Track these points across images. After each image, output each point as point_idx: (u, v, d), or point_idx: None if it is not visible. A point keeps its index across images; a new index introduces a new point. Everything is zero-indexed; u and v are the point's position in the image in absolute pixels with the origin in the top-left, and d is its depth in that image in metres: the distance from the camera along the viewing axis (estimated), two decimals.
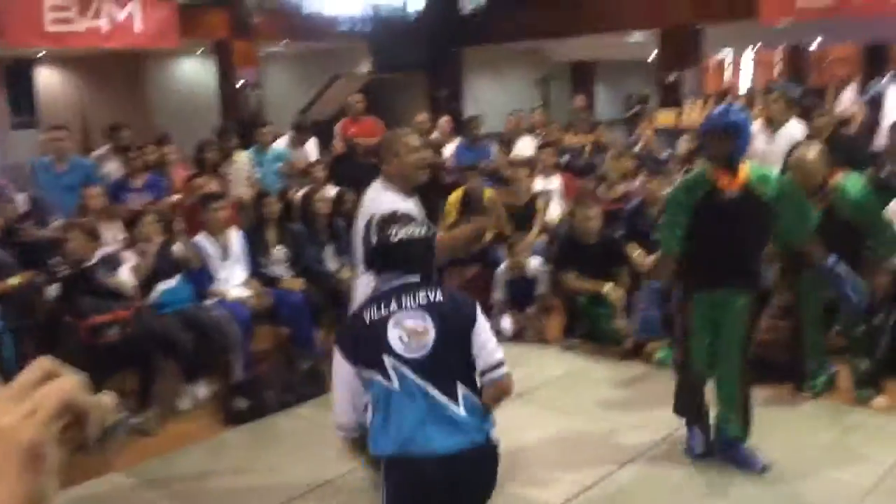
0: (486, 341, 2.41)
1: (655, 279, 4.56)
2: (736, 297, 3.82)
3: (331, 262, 6.03)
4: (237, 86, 11.88)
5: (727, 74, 20.50)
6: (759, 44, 19.10)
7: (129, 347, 4.60)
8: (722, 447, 3.96)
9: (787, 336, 5.01)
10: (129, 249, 5.17)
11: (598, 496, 3.74)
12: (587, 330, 5.86)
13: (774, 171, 4.00)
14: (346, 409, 2.39)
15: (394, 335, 2.30)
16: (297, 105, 13.30)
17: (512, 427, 4.52)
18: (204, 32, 12.05)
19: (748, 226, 3.72)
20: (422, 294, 2.38)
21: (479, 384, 2.40)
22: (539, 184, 7.38)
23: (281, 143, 7.85)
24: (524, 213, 6.90)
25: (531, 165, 7.67)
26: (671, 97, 13.15)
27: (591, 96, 17.60)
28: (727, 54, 19.65)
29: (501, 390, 2.43)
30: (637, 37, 15.12)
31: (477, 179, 7.05)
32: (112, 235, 5.68)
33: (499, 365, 2.41)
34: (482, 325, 2.43)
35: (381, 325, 2.31)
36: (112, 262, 4.90)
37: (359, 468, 4.03)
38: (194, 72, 14.64)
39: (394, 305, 2.34)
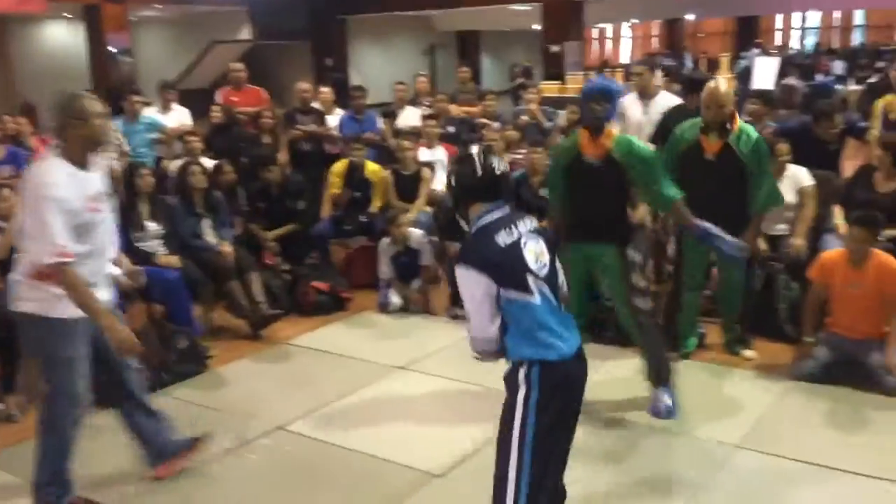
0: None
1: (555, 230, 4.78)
2: (604, 250, 4.14)
3: (209, 236, 5.83)
4: (108, 52, 11.29)
5: (607, 47, 20.98)
6: (636, 18, 19.63)
7: None
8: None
9: (664, 299, 5.22)
10: None
11: (481, 463, 3.78)
12: None
13: (640, 140, 4.19)
14: (488, 325, 2.54)
15: (528, 255, 2.57)
16: (172, 73, 12.76)
17: (398, 397, 4.54)
18: None
19: (609, 187, 4.10)
20: (527, 221, 2.68)
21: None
22: (424, 154, 7.36)
23: (150, 112, 7.49)
24: (410, 185, 6.87)
25: (416, 136, 7.63)
26: (554, 68, 13.38)
27: (476, 66, 17.69)
28: (607, 27, 20.12)
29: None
30: (520, 8, 15.27)
31: (361, 151, 6.96)
32: None
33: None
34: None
35: (517, 247, 2.57)
36: None
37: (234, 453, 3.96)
38: (62, 37, 13.82)
39: (517, 230, 2.61)
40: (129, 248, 5.35)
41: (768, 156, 4.66)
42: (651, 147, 4.55)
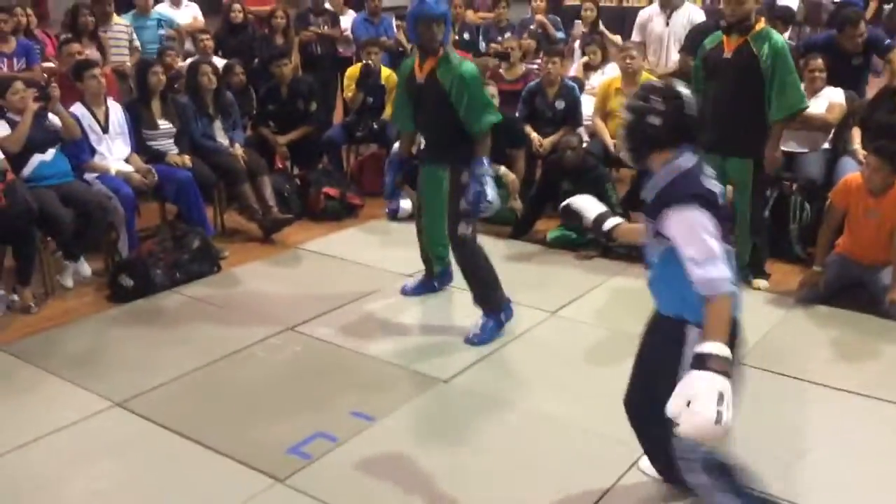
0: None
1: (400, 152, 4.68)
2: (436, 171, 4.23)
3: (220, 138, 5.79)
4: None
5: None
6: None
7: (3, 222, 4.33)
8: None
9: None
10: None
11: (487, 371, 3.86)
12: None
13: (464, 61, 4.08)
14: (723, 262, 2.25)
15: (720, 205, 2.37)
16: None
17: (406, 304, 4.60)
18: None
19: (434, 107, 4.10)
20: (705, 165, 2.44)
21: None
22: None
23: (162, 7, 7.34)
24: None
25: None
26: None
27: None
28: None
29: None
30: None
31: (377, 56, 6.83)
32: None
33: None
34: None
35: (716, 196, 2.36)
36: None
37: (254, 350, 4.04)
38: None
39: (713, 178, 2.39)
40: (140, 146, 5.36)
41: (789, 60, 4.40)
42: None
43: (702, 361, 2.15)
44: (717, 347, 2.16)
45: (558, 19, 8.12)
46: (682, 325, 2.41)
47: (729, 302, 2.25)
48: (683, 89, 2.41)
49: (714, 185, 2.37)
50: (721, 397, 2.09)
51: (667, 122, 2.36)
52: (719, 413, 2.07)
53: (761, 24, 4.42)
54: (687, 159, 2.38)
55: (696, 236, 2.24)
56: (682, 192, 2.31)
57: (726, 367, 2.14)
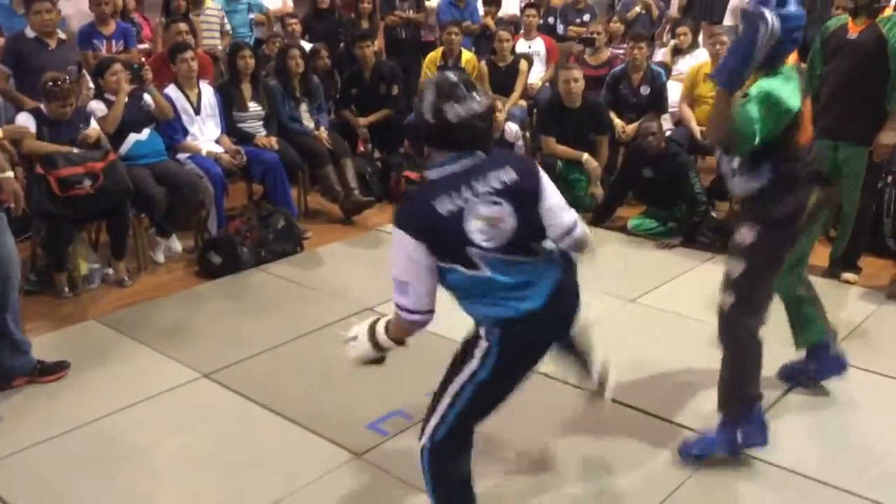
0: (554, 205, 2.31)
1: None
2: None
3: (305, 120, 5.91)
4: None
5: None
6: None
7: (100, 199, 4.53)
8: None
9: None
10: (98, 100, 5.02)
11: None
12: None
13: None
14: (424, 296, 2.21)
15: (473, 228, 2.14)
16: None
17: None
18: None
19: None
20: (492, 176, 2.17)
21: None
22: (522, 46, 7.19)
23: None
24: (506, 77, 6.76)
25: (515, 26, 7.45)
26: None
27: None
28: None
29: (583, 248, 2.46)
30: None
31: (458, 37, 6.84)
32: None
33: (575, 225, 2.38)
34: (547, 188, 2.30)
35: (459, 218, 2.13)
36: (81, 114, 4.76)
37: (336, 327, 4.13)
38: None
39: (467, 193, 2.14)
40: (230, 128, 5.52)
41: None
42: None
43: (370, 331, 2.45)
44: (383, 336, 2.42)
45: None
46: (477, 334, 2.37)
47: (406, 327, 2.34)
48: (429, 91, 2.16)
49: (455, 208, 2.12)
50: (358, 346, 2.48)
51: (415, 123, 2.25)
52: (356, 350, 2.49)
53: (890, 10, 4.27)
54: (440, 170, 2.18)
55: (396, 262, 2.18)
56: (400, 209, 2.21)
57: (378, 343, 2.44)
